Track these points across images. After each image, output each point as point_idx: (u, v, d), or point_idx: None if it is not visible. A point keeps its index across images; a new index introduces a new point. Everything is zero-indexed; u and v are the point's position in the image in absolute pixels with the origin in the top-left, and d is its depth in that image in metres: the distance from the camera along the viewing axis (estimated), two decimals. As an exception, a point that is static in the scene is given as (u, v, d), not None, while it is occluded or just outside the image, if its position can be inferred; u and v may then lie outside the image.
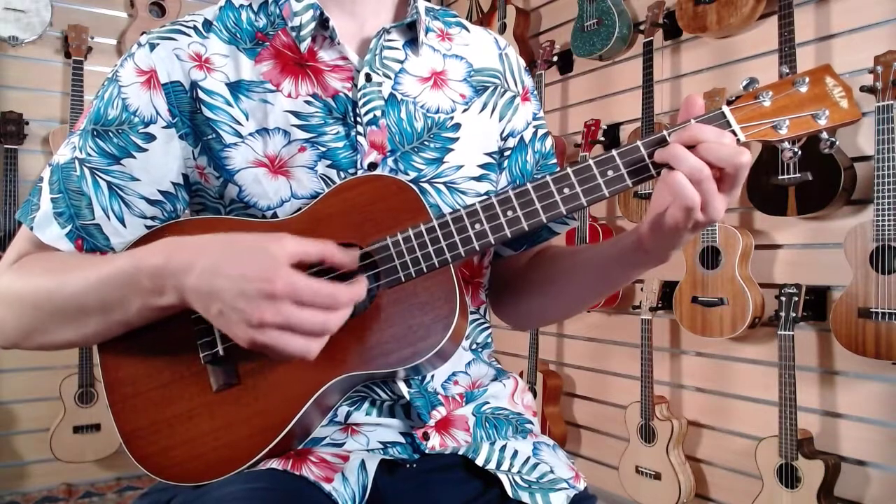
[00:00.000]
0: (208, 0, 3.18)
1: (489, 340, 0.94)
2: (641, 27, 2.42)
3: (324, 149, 0.81)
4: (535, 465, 0.82)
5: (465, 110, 0.89)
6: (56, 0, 2.91)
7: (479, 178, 0.89)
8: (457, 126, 0.87)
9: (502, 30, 3.09)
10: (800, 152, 0.76)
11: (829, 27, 2.01)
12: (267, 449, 0.73)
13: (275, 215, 0.80)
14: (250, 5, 0.85)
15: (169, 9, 3.08)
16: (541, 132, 0.98)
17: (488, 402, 0.88)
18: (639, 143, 0.73)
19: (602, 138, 2.67)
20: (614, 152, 0.73)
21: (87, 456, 2.81)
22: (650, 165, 0.72)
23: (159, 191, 0.82)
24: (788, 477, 1.91)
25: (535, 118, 0.97)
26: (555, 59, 2.85)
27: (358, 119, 0.82)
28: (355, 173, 0.81)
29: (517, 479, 0.79)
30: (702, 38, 2.35)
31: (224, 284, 0.65)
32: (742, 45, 2.24)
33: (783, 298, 1.94)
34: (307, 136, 0.81)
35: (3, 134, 2.75)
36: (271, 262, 0.65)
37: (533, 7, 3.14)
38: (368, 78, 0.83)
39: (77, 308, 0.74)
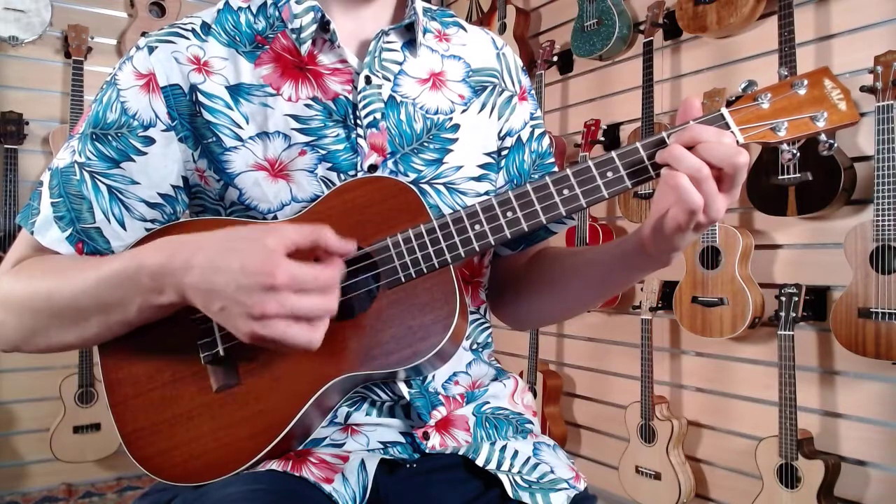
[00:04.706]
0: (208, 0, 3.19)
1: (490, 340, 0.94)
2: (641, 27, 2.42)
3: (324, 152, 0.81)
4: (536, 466, 0.82)
5: (463, 111, 0.89)
6: (56, 0, 2.91)
7: (478, 179, 0.89)
8: (456, 127, 0.88)
9: (502, 30, 3.09)
10: (798, 154, 0.76)
11: (829, 27, 2.01)
12: (267, 449, 0.74)
13: (275, 218, 0.80)
14: (248, 7, 0.85)
15: (169, 9, 3.08)
16: (538, 132, 0.98)
17: (488, 402, 0.88)
18: (638, 144, 0.73)
19: (602, 138, 2.67)
20: (613, 154, 0.73)
21: (87, 456, 2.81)
22: (649, 167, 0.72)
23: (159, 194, 0.82)
24: (788, 477, 1.91)
25: (532, 118, 0.97)
26: (555, 59, 2.85)
27: (358, 121, 0.82)
28: (355, 175, 0.81)
29: (517, 479, 0.80)
30: (702, 38, 2.35)
31: (224, 280, 0.65)
32: (742, 45, 2.24)
33: (783, 298, 1.94)
34: (307, 139, 0.81)
35: (3, 134, 2.75)
36: (268, 254, 0.65)
37: (533, 7, 3.14)
38: (368, 80, 0.83)
39: (77, 309, 0.74)
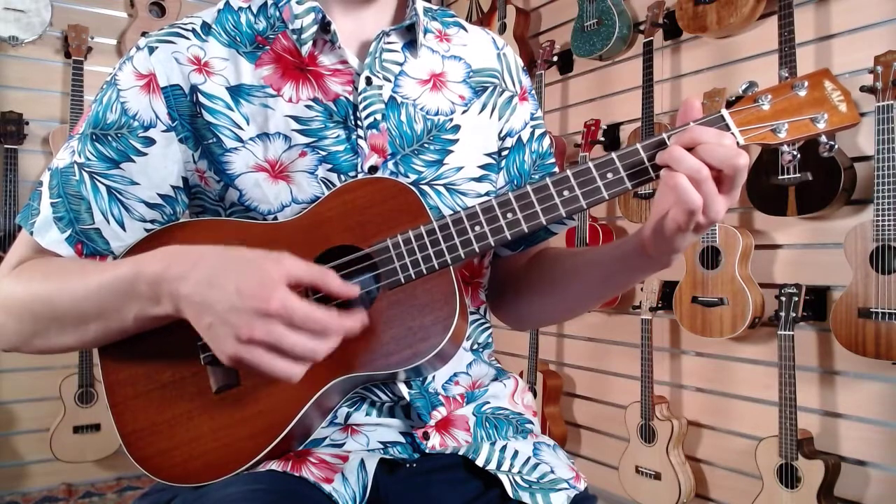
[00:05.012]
0: (208, 0, 3.18)
1: (490, 340, 0.94)
2: (641, 27, 2.42)
3: (324, 153, 0.81)
4: (536, 466, 0.82)
5: (464, 111, 0.89)
6: (56, 0, 2.90)
7: (479, 179, 0.89)
8: (456, 128, 0.88)
9: (502, 30, 3.09)
10: (799, 155, 0.77)
11: (829, 27, 2.01)
12: (267, 450, 0.74)
13: (275, 219, 0.80)
14: (249, 7, 0.85)
15: (169, 9, 3.08)
16: (538, 132, 0.98)
17: (489, 402, 0.88)
18: (638, 145, 0.73)
19: (602, 138, 2.67)
20: (614, 155, 0.73)
21: (87, 456, 2.81)
22: (650, 168, 0.72)
23: (159, 194, 0.82)
24: (788, 477, 1.91)
25: (532, 118, 0.97)
26: (555, 59, 2.85)
27: (359, 122, 0.82)
28: (356, 176, 0.81)
29: (517, 479, 0.80)
30: (702, 38, 2.35)
31: (218, 297, 0.65)
32: (742, 45, 2.24)
33: (783, 298, 1.94)
34: (308, 140, 0.81)
35: (3, 134, 2.75)
36: (268, 281, 0.65)
37: (533, 7, 3.14)
38: (369, 81, 0.83)
39: (76, 314, 0.74)
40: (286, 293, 0.64)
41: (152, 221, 0.83)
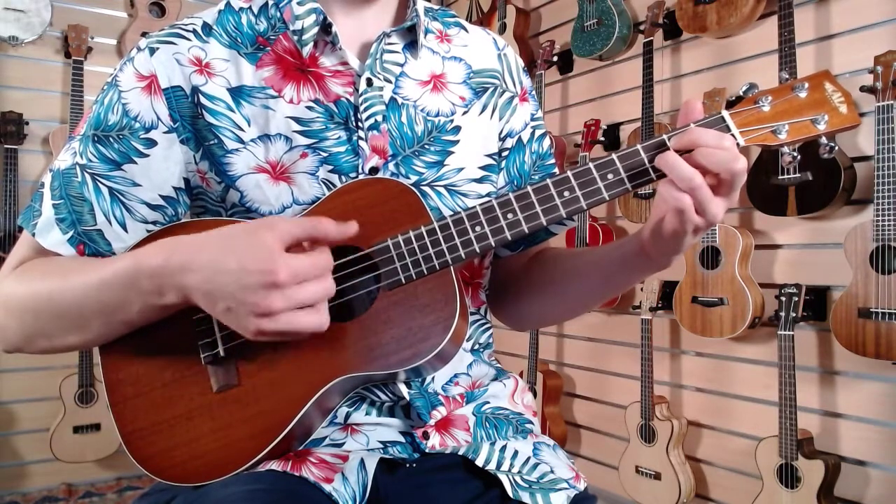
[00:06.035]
0: (208, 0, 3.19)
1: (490, 341, 0.94)
2: (641, 27, 2.42)
3: (325, 154, 0.81)
4: (536, 466, 0.82)
5: (464, 112, 0.89)
6: (56, 0, 2.91)
7: (480, 180, 0.89)
8: (457, 129, 0.88)
9: (502, 30, 3.09)
10: (799, 156, 0.77)
11: (829, 27, 2.02)
12: (267, 450, 0.74)
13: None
14: (250, 8, 0.85)
15: (169, 9, 3.08)
16: (538, 133, 0.98)
17: (488, 402, 0.88)
18: (639, 146, 0.73)
19: (602, 138, 2.67)
20: (614, 156, 0.73)
21: (87, 456, 2.81)
22: (650, 169, 0.73)
23: (161, 196, 0.82)
24: (788, 477, 1.91)
25: (533, 119, 0.97)
26: (555, 59, 2.85)
27: (359, 124, 0.82)
28: (357, 178, 0.81)
29: (517, 479, 0.80)
30: (702, 38, 2.35)
31: (226, 281, 0.66)
32: (742, 45, 2.25)
33: (783, 298, 1.94)
34: (309, 141, 0.81)
35: (3, 134, 2.75)
36: (267, 251, 0.65)
37: (533, 7, 3.14)
38: (370, 83, 0.83)
39: (78, 312, 0.74)
40: (287, 257, 0.66)
41: (154, 222, 0.83)
